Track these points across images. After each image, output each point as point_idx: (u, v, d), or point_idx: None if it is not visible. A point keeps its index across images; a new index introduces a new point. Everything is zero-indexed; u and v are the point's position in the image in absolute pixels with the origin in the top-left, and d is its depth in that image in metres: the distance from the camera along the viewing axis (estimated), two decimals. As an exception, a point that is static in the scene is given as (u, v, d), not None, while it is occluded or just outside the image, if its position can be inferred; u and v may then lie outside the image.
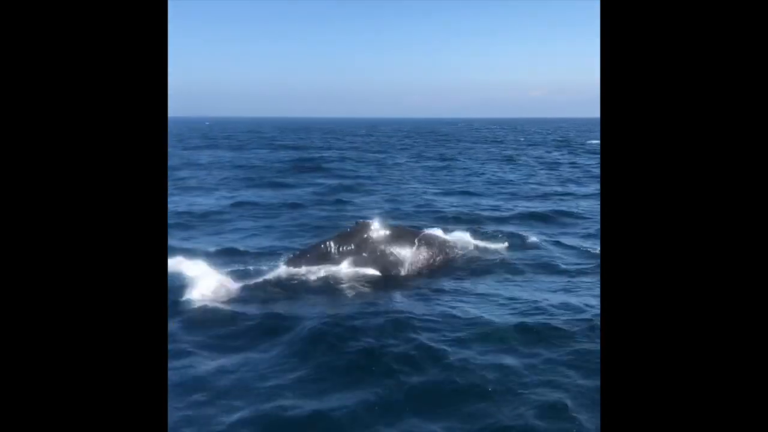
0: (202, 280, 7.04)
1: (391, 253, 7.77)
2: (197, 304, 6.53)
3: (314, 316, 6.17)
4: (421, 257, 7.93)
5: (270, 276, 7.58)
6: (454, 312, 6.25)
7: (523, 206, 14.41)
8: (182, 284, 6.93)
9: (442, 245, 8.42)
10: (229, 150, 36.80)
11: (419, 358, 5.09)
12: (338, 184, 18.58)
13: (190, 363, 5.12)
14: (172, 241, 9.80)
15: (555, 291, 7.20)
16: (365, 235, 7.75)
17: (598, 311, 5.36)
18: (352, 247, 7.69)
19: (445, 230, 9.57)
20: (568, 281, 7.63)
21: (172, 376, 4.72)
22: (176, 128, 77.25)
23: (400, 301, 6.76)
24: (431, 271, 7.91)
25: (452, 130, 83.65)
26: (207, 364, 5.15)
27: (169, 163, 18.81)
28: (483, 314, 6.18)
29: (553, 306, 6.44)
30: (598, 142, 44.26)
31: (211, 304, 6.56)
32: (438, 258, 8.09)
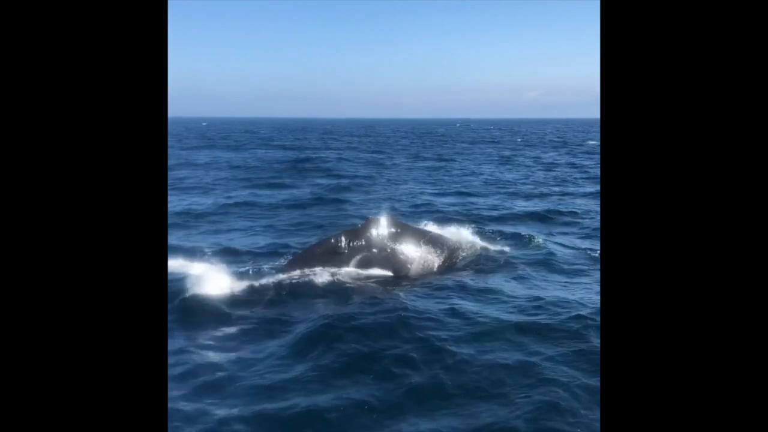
0: (206, 280, 7.04)
1: (398, 251, 7.79)
2: (204, 304, 6.53)
3: (322, 313, 6.20)
4: (426, 255, 7.95)
5: (276, 274, 7.59)
6: (462, 309, 6.29)
7: (521, 206, 14.46)
8: (186, 284, 6.93)
9: (446, 244, 8.45)
10: (227, 150, 36.70)
11: (430, 355, 5.13)
12: (336, 184, 18.58)
13: (200, 362, 5.13)
14: (173, 241, 9.81)
15: (564, 287, 7.26)
16: (372, 233, 7.76)
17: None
18: (360, 243, 7.71)
19: (447, 229, 9.60)
20: (574, 279, 7.68)
21: (181, 377, 4.75)
22: (174, 128, 77.07)
23: (408, 298, 6.78)
24: (437, 269, 7.93)
25: (449, 130, 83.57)
26: (215, 362, 5.16)
27: (168, 163, 18.74)
28: (492, 312, 6.23)
29: (566, 303, 6.49)
30: (595, 143, 44.31)
31: (217, 304, 6.56)
32: (442, 256, 8.11)
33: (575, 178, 20.86)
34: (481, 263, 8.33)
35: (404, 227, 8.15)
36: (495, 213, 13.34)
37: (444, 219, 11.70)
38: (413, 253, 7.86)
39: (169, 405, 4.20)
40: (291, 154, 33.95)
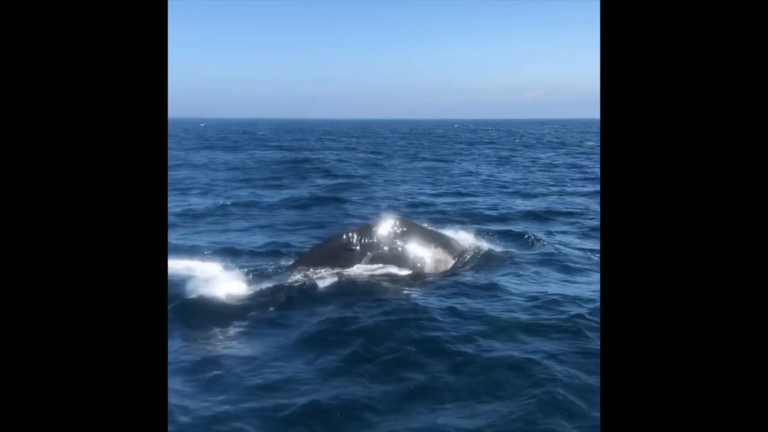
0: (215, 280, 7.04)
1: (407, 250, 7.81)
2: (215, 304, 6.52)
3: (334, 311, 6.23)
4: (434, 254, 7.97)
5: (287, 271, 7.60)
6: (473, 308, 6.31)
7: (522, 206, 14.51)
8: (195, 284, 6.94)
9: (451, 243, 8.48)
10: (226, 151, 36.71)
11: (442, 352, 5.16)
12: (336, 185, 18.62)
13: (216, 363, 5.11)
14: (177, 241, 9.85)
15: (572, 285, 7.31)
16: (381, 231, 7.76)
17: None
18: (371, 241, 7.71)
19: (448, 229, 9.66)
20: (579, 278, 7.73)
21: (193, 378, 4.76)
22: (172, 129, 77.17)
23: (419, 296, 6.79)
24: (445, 269, 7.96)
25: (448, 131, 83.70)
26: (231, 362, 5.18)
27: (168, 163, 18.79)
28: (502, 311, 6.25)
29: (572, 300, 6.55)
30: (593, 143, 44.37)
31: (229, 304, 6.55)
32: (449, 256, 8.14)
33: (573, 179, 20.91)
34: (487, 262, 8.37)
35: (412, 226, 8.16)
36: (495, 213, 13.39)
37: (445, 219, 11.75)
38: (422, 252, 7.87)
39: (181, 406, 4.23)
40: (289, 154, 33.97)
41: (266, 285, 7.13)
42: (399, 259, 7.68)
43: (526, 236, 10.17)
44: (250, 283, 7.15)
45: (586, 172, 22.85)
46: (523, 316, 6.06)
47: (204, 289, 6.75)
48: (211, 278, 7.07)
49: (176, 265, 7.56)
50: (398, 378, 4.75)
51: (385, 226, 7.79)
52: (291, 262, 7.92)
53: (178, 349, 5.40)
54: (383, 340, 5.43)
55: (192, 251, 8.95)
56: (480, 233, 10.13)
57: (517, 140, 53.40)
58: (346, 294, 6.85)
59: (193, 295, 6.63)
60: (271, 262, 8.23)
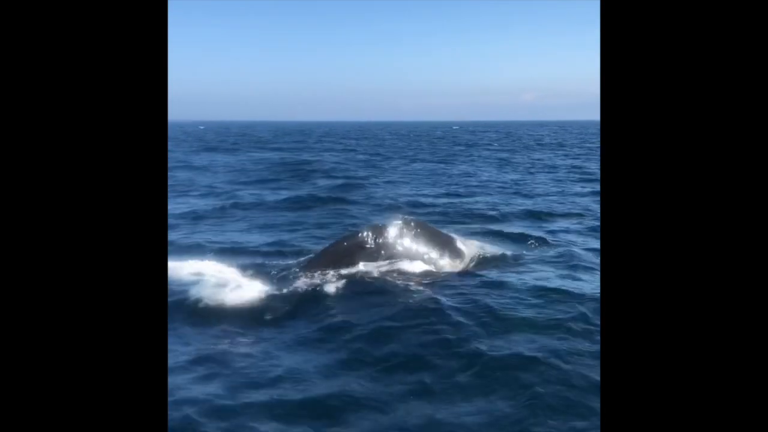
0: (228, 280, 7.09)
1: (418, 249, 7.90)
2: (230, 305, 6.55)
3: (350, 309, 6.28)
4: (444, 253, 8.07)
5: (300, 271, 7.64)
6: (486, 306, 6.37)
7: (524, 206, 14.55)
8: (207, 286, 6.98)
9: (459, 242, 8.56)
10: (226, 153, 36.73)
11: (459, 349, 5.22)
12: (337, 186, 18.64)
13: (238, 364, 5.12)
14: (184, 242, 9.91)
15: (583, 282, 7.35)
16: (394, 232, 7.86)
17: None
18: (384, 241, 7.80)
19: (454, 229, 9.73)
20: (588, 275, 7.78)
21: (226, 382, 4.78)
22: (171, 132, 77.30)
23: (434, 294, 6.83)
24: (457, 268, 8.03)
25: (447, 133, 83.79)
26: (248, 357, 5.23)
27: (169, 165, 18.96)
28: (516, 308, 6.30)
29: (589, 298, 6.58)
30: (591, 145, 44.40)
31: (245, 305, 6.57)
32: (459, 255, 8.22)
33: (574, 180, 20.94)
34: (494, 261, 8.43)
35: (422, 226, 8.28)
36: (497, 213, 13.45)
37: (447, 220, 11.79)
38: (433, 251, 7.96)
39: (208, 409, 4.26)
40: (289, 156, 34.00)
41: (283, 284, 7.19)
42: (412, 258, 7.79)
43: (531, 236, 10.24)
44: (265, 282, 7.19)
45: (586, 173, 22.89)
46: (535, 314, 6.10)
47: (220, 291, 6.77)
48: (226, 279, 7.13)
49: (188, 267, 7.65)
50: (414, 374, 4.81)
51: (398, 227, 7.89)
52: (305, 261, 7.97)
53: (202, 349, 5.44)
54: (398, 338, 5.51)
55: (201, 252, 9.02)
56: (484, 233, 10.21)
57: (516, 142, 53.47)
58: (361, 292, 6.89)
59: (209, 297, 6.64)
60: (284, 262, 8.29)
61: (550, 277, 7.66)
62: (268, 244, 10.04)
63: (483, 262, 8.36)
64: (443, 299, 6.57)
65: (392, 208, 13.76)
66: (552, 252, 9.19)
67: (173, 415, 4.11)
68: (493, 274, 7.72)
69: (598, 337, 5.40)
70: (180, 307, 6.45)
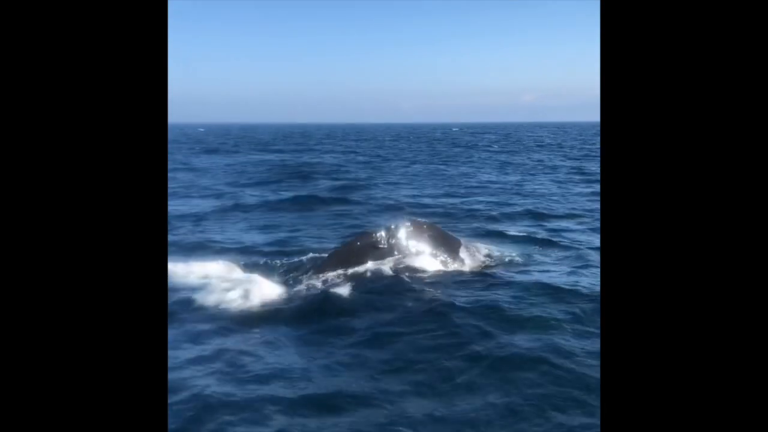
0: (241, 280, 7.15)
1: (430, 249, 8.00)
2: (237, 305, 6.57)
3: (361, 310, 6.32)
4: (454, 253, 8.16)
5: (316, 271, 7.68)
6: (498, 304, 6.42)
7: (526, 205, 14.61)
8: (222, 286, 7.02)
9: (467, 243, 8.66)
10: (227, 155, 36.80)
11: (473, 347, 5.29)
12: (337, 186, 18.68)
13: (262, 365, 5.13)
14: (188, 242, 9.96)
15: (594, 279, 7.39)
16: (406, 233, 7.97)
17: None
18: (396, 241, 7.92)
19: (457, 229, 9.78)
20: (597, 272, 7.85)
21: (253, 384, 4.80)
22: (171, 135, 77.51)
23: (448, 292, 6.89)
24: (468, 267, 8.11)
25: (447, 134, 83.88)
26: (269, 356, 5.27)
27: (169, 167, 19.04)
28: (527, 306, 6.35)
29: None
30: (591, 146, 44.44)
31: (247, 304, 6.60)
32: (469, 255, 8.32)
33: (575, 180, 20.96)
34: (502, 262, 8.49)
35: (432, 228, 8.41)
36: (499, 213, 13.50)
37: (449, 220, 11.81)
38: (444, 251, 8.07)
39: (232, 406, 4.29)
40: (290, 158, 34.06)
41: (297, 283, 7.27)
42: (422, 259, 7.92)
43: (535, 236, 10.33)
44: (277, 282, 7.25)
45: (587, 173, 22.91)
46: (543, 313, 6.14)
47: (229, 292, 6.80)
48: (235, 280, 7.18)
49: (196, 268, 7.71)
50: (425, 372, 4.86)
51: (408, 228, 8.02)
52: (318, 262, 8.02)
53: (215, 348, 5.45)
54: (409, 336, 5.57)
55: (205, 252, 9.07)
56: (487, 234, 10.28)
57: (516, 143, 53.56)
58: (373, 291, 6.93)
59: (219, 298, 6.67)
60: (292, 262, 8.36)
61: (558, 277, 7.71)
62: (273, 244, 10.10)
63: (490, 262, 8.42)
64: (454, 299, 6.60)
65: (394, 209, 13.82)
66: (557, 251, 9.24)
67: (184, 410, 4.15)
68: (501, 274, 7.76)
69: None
70: (189, 308, 6.50)
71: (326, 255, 8.29)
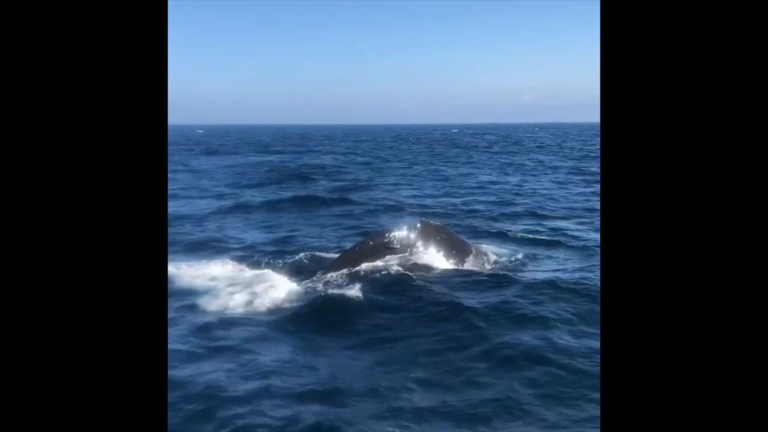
0: (239, 281, 7.19)
1: (441, 249, 8.05)
2: (250, 305, 6.61)
3: (371, 309, 6.35)
4: (464, 254, 8.22)
5: (328, 270, 7.72)
6: (509, 303, 6.47)
7: (528, 205, 14.63)
8: (219, 286, 7.05)
9: (476, 244, 8.74)
10: (226, 156, 36.82)
11: (487, 343, 5.36)
12: (338, 187, 18.69)
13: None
14: (190, 241, 9.98)
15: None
16: (416, 234, 8.04)
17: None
18: (408, 243, 8.00)
19: (459, 229, 9.81)
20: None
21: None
22: (170, 136, 77.66)
23: (460, 291, 6.92)
24: (479, 267, 8.16)
25: (446, 135, 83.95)
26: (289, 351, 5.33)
27: (169, 168, 19.05)
28: (538, 305, 6.39)
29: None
30: (590, 147, 44.48)
31: (257, 304, 6.62)
32: (474, 256, 8.37)
33: (575, 180, 20.98)
34: (508, 261, 8.53)
35: (442, 229, 8.51)
36: (500, 214, 13.50)
37: (449, 221, 11.82)
38: (453, 253, 8.12)
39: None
40: (290, 159, 34.09)
41: (310, 281, 7.34)
42: (432, 259, 8.00)
43: (538, 235, 10.36)
44: (287, 281, 7.30)
45: (587, 174, 22.94)
46: (551, 312, 6.16)
47: (235, 292, 6.85)
48: (241, 280, 7.23)
49: (201, 269, 7.74)
50: (439, 368, 4.93)
51: (419, 228, 8.11)
52: (329, 262, 8.08)
53: (227, 346, 5.47)
54: (418, 335, 5.64)
55: (207, 252, 9.10)
56: (489, 234, 10.31)
57: (516, 144, 53.61)
58: (384, 291, 6.96)
59: (225, 298, 6.71)
60: (298, 262, 8.41)
61: (564, 275, 7.73)
62: (274, 243, 10.13)
63: (497, 262, 8.47)
64: (464, 299, 6.62)
65: (394, 210, 13.84)
66: (560, 251, 9.28)
67: (193, 405, 4.21)
68: (509, 274, 7.79)
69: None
70: (194, 308, 6.53)
71: (337, 255, 8.38)
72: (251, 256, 8.86)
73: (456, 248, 8.20)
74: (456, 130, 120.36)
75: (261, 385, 4.67)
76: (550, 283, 7.10)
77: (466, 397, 4.46)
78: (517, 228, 11.38)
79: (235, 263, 8.11)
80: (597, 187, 17.50)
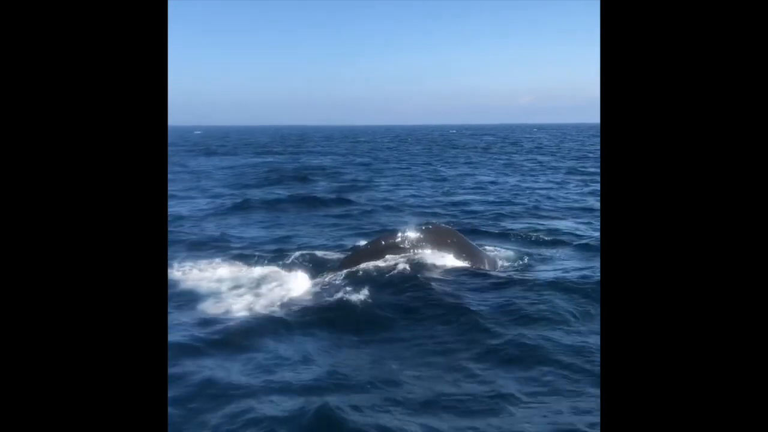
0: (243, 281, 7.20)
1: (449, 250, 8.11)
2: (255, 305, 6.60)
3: (379, 309, 6.36)
4: (473, 254, 8.26)
5: (339, 268, 7.75)
6: (518, 303, 6.47)
7: (529, 206, 14.64)
8: (222, 287, 7.06)
9: (478, 245, 8.76)
10: (226, 157, 36.82)
11: (498, 340, 5.40)
12: (338, 188, 18.70)
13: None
14: (190, 241, 9.95)
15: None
16: (423, 233, 8.12)
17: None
18: (417, 242, 8.07)
19: (461, 229, 9.83)
20: None
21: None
22: (168, 137, 77.54)
23: (470, 291, 6.93)
24: (488, 267, 8.19)
25: (444, 136, 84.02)
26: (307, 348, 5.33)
27: (168, 169, 19.03)
28: (547, 303, 6.41)
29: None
30: (591, 147, 44.54)
31: (262, 304, 6.61)
32: (481, 257, 8.41)
33: (576, 180, 21.01)
34: (512, 261, 8.56)
35: (449, 230, 8.59)
36: (501, 214, 13.51)
37: (450, 222, 11.83)
38: (460, 254, 8.17)
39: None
40: (290, 159, 34.11)
41: (318, 280, 7.37)
42: (440, 260, 8.05)
43: (540, 235, 10.38)
44: (294, 280, 7.32)
45: (587, 174, 22.97)
46: (555, 311, 6.17)
47: (239, 293, 6.86)
48: (246, 280, 7.23)
49: (204, 269, 7.72)
50: (446, 367, 4.96)
51: (427, 229, 8.22)
52: (337, 261, 8.10)
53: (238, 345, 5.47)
54: (431, 331, 5.70)
55: (208, 252, 9.09)
56: (491, 235, 10.32)
57: (514, 144, 53.65)
58: (391, 291, 6.97)
59: (228, 298, 6.72)
60: (302, 262, 8.38)
61: (569, 274, 7.75)
62: (277, 243, 10.13)
63: (504, 262, 8.50)
64: (471, 299, 6.64)
65: (394, 210, 13.85)
66: (563, 250, 9.30)
67: (200, 402, 4.24)
68: (516, 274, 7.80)
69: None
70: (196, 306, 6.52)
71: (337, 254, 8.40)
72: (252, 255, 8.84)
73: (465, 250, 8.25)
74: (454, 131, 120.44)
75: (265, 380, 4.69)
76: (552, 282, 7.12)
77: (470, 392, 4.49)
78: (515, 227, 11.40)
79: (237, 262, 8.13)
80: (596, 187, 17.52)
